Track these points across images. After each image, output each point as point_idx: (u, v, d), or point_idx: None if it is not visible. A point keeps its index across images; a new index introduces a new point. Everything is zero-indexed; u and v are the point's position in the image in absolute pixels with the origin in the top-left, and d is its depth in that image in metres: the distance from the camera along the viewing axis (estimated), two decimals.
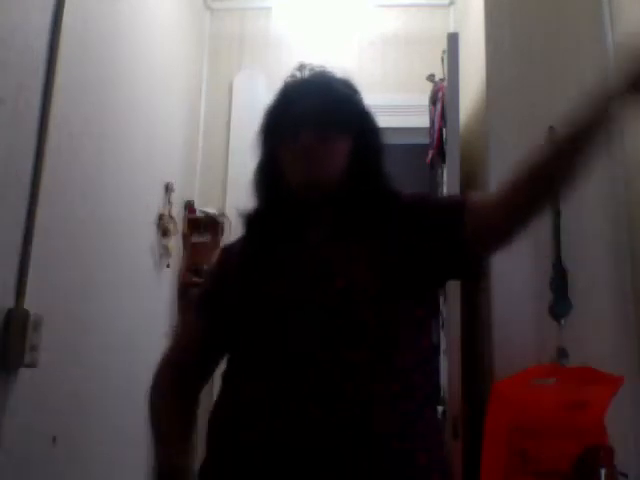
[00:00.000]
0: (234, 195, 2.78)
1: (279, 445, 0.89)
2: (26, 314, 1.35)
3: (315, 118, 1.03)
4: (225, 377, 1.04)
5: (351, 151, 1.05)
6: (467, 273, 1.08)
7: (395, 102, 2.79)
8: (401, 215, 1.05)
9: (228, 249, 1.18)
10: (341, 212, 1.05)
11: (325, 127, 1.03)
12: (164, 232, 2.38)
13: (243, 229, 1.13)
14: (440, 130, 2.24)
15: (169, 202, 2.45)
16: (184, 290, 2.61)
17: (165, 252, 2.40)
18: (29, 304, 1.37)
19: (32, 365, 1.38)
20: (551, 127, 1.99)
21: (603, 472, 1.58)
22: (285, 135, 1.05)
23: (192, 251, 2.70)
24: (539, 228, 1.94)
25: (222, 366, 1.08)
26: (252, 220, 1.11)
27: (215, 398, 1.04)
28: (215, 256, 1.18)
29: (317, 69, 1.12)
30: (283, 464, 0.88)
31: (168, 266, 2.45)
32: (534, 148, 0.96)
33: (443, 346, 2.17)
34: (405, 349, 0.96)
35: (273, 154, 1.08)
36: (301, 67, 1.12)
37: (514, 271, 1.93)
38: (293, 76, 1.12)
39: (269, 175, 1.09)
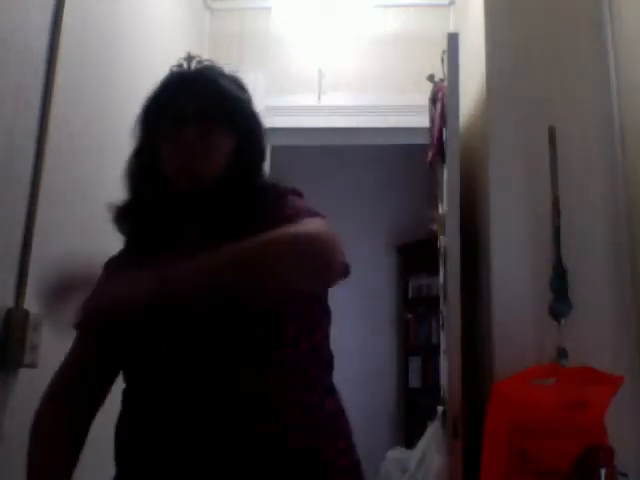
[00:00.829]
0: None
1: (179, 458, 0.88)
2: (26, 314, 1.35)
3: (198, 112, 1.00)
4: (122, 393, 1.02)
5: (233, 149, 1.02)
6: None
7: (395, 102, 2.79)
8: (272, 219, 0.98)
9: (110, 263, 1.11)
10: (214, 211, 1.01)
11: (207, 122, 1.00)
12: None
13: (115, 225, 1.07)
14: (440, 130, 2.24)
15: None
16: None
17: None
18: (29, 304, 1.37)
19: (32, 365, 1.38)
20: (551, 127, 1.99)
21: (603, 472, 1.58)
22: (166, 127, 1.01)
23: None
24: (539, 229, 1.94)
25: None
26: (125, 216, 1.06)
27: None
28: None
29: (205, 63, 1.10)
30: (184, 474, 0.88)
31: None
32: None
33: (443, 346, 2.17)
34: (295, 343, 0.95)
35: (151, 144, 1.04)
36: (189, 58, 1.10)
37: (514, 271, 1.93)
38: (179, 66, 1.09)
39: (144, 165, 1.05)
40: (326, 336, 1.05)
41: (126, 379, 1.01)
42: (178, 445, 0.88)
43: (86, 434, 1.06)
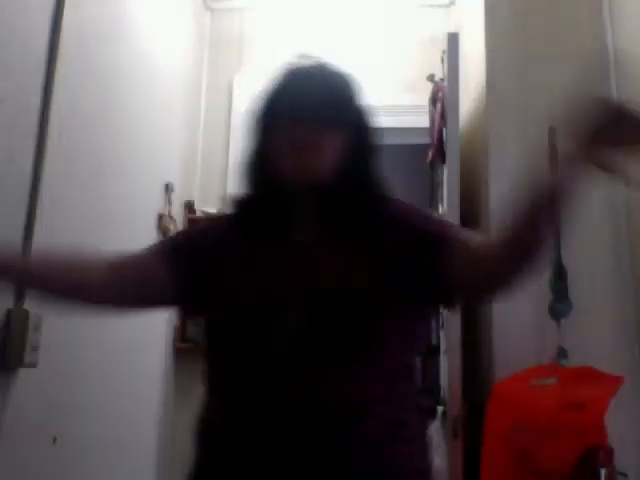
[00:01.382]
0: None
1: (267, 458, 0.87)
2: (26, 314, 1.35)
3: (311, 112, 1.00)
4: (208, 382, 1.01)
5: (345, 148, 1.02)
6: (437, 301, 1.08)
7: (395, 102, 2.79)
8: (390, 223, 1.03)
9: (213, 220, 1.12)
10: (329, 211, 1.03)
11: (320, 122, 1.00)
12: (164, 232, 2.38)
13: (232, 214, 1.09)
14: (440, 130, 2.24)
15: (169, 202, 2.45)
16: None
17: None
18: (29, 304, 1.37)
19: (32, 365, 1.38)
20: (551, 127, 1.99)
21: (603, 472, 1.58)
22: (279, 127, 1.02)
23: None
24: None
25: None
26: (241, 208, 1.08)
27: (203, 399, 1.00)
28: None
29: (318, 61, 1.10)
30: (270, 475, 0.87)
31: None
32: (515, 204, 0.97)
33: (443, 346, 2.17)
34: (390, 356, 0.95)
35: (265, 143, 1.05)
36: (302, 57, 1.10)
37: None
38: (293, 65, 1.09)
39: (260, 164, 1.06)
40: (416, 351, 1.05)
41: (210, 362, 1.01)
42: (267, 445, 0.88)
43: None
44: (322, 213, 1.03)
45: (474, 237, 1.02)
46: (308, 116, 1.00)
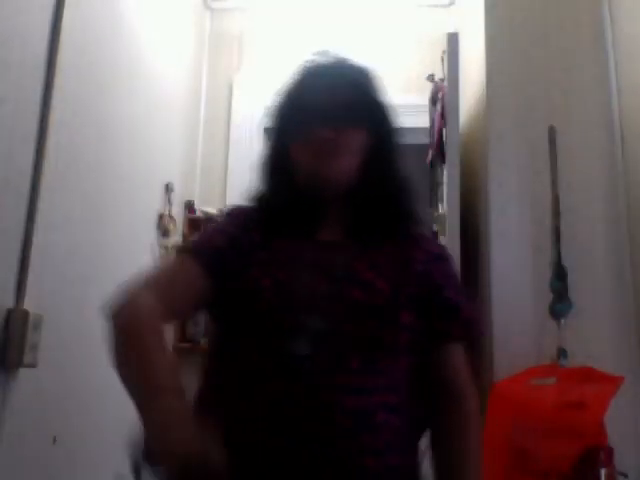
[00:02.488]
0: (234, 195, 2.78)
1: (281, 457, 0.86)
2: (26, 314, 1.35)
3: (332, 112, 0.98)
4: (215, 380, 0.98)
5: (366, 148, 1.01)
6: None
7: (395, 102, 2.78)
8: (419, 248, 1.03)
9: (249, 215, 1.05)
10: (356, 213, 1.01)
11: (340, 121, 0.98)
12: (164, 232, 2.38)
13: (254, 212, 1.04)
14: (440, 130, 2.24)
15: (169, 202, 2.45)
16: None
17: (165, 252, 2.40)
18: (29, 304, 1.37)
19: (32, 365, 1.38)
20: (551, 127, 1.99)
21: (603, 472, 1.58)
22: (299, 127, 1.00)
23: None
24: (539, 229, 1.94)
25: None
26: (265, 206, 1.04)
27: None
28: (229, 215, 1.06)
29: (338, 57, 1.07)
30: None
31: None
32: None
33: None
34: (402, 369, 0.96)
35: (285, 144, 1.03)
36: (322, 53, 1.07)
37: (514, 271, 1.93)
38: (312, 62, 1.07)
39: (280, 165, 1.04)
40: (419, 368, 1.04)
41: (233, 358, 0.97)
42: (281, 442, 0.87)
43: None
44: (348, 214, 1.02)
45: (463, 368, 1.06)
46: (329, 116, 0.98)
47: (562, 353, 1.79)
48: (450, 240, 2.02)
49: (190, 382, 0.90)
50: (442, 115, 2.18)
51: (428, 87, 2.43)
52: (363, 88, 1.04)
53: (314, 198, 1.01)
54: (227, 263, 0.97)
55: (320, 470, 0.85)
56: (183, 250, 1.06)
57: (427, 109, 2.46)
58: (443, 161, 2.20)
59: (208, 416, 0.89)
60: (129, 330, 0.85)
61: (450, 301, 1.03)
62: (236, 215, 1.07)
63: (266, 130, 1.08)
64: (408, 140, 3.36)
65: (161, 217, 2.38)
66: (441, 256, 1.07)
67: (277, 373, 0.90)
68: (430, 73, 2.42)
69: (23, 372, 1.37)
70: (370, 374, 0.91)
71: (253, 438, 0.88)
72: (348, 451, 0.86)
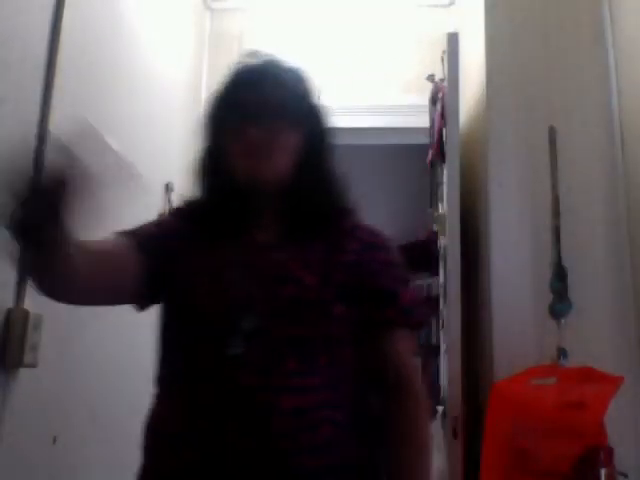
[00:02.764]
0: None
1: (215, 459, 0.87)
2: (26, 314, 1.35)
3: (264, 111, 0.98)
4: (159, 381, 0.99)
5: (299, 148, 1.01)
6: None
7: (395, 102, 2.79)
8: (351, 240, 1.03)
9: (184, 213, 1.08)
10: (288, 212, 1.01)
11: (273, 121, 0.98)
12: None
13: (189, 214, 1.07)
14: (440, 130, 2.24)
15: (169, 202, 2.45)
16: None
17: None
18: (29, 304, 1.37)
19: (32, 365, 1.38)
20: (551, 127, 1.99)
21: (603, 472, 1.58)
22: (232, 127, 1.00)
23: None
24: (539, 229, 1.94)
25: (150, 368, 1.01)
26: (196, 211, 1.06)
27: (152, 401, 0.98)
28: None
29: (269, 58, 1.08)
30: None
31: None
32: None
33: (443, 346, 2.17)
34: (337, 363, 0.95)
35: (218, 144, 1.03)
36: (253, 55, 1.08)
37: (514, 271, 1.93)
38: (243, 63, 1.07)
39: (212, 165, 1.04)
40: (358, 359, 1.03)
41: (162, 362, 0.99)
42: (207, 447, 0.87)
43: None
44: (282, 215, 1.02)
45: (401, 343, 1.02)
46: (260, 115, 0.98)
47: (562, 353, 1.80)
48: (450, 240, 2.02)
49: None
50: (442, 115, 2.18)
51: (428, 87, 2.43)
52: (294, 88, 1.04)
53: (248, 198, 1.01)
54: (159, 247, 1.00)
55: (258, 471, 0.86)
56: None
57: (427, 109, 2.46)
58: (443, 161, 2.20)
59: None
60: None
61: (386, 288, 1.02)
62: (177, 211, 1.10)
63: (199, 132, 1.08)
64: (408, 140, 3.38)
65: None
66: (375, 244, 1.06)
67: (211, 373, 0.90)
68: (430, 73, 2.42)
69: (23, 372, 1.37)
70: (308, 373, 0.91)
71: (187, 438, 0.88)
72: (285, 451, 0.86)
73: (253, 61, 1.07)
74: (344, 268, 0.98)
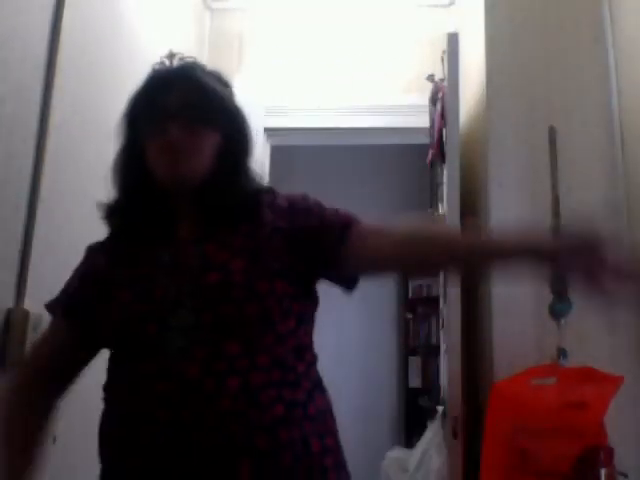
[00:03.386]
0: None
1: (172, 455, 0.88)
2: (26, 314, 1.35)
3: (181, 111, 0.99)
4: (105, 389, 1.03)
5: (218, 147, 1.03)
6: (337, 282, 1.06)
7: (395, 102, 2.79)
8: (274, 212, 1.04)
9: (94, 248, 1.14)
10: (208, 208, 1.03)
11: (192, 121, 1.00)
12: None
13: (105, 222, 1.10)
14: (440, 130, 2.24)
15: None
16: None
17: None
18: (29, 304, 1.37)
19: None
20: (551, 127, 1.99)
21: (603, 472, 1.58)
22: (151, 126, 1.01)
23: None
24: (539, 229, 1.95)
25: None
26: (114, 213, 1.08)
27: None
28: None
29: (187, 60, 1.10)
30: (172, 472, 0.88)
31: None
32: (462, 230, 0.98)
33: (443, 346, 2.17)
34: (283, 340, 0.96)
35: (137, 143, 1.04)
36: (170, 56, 1.10)
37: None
38: (162, 64, 1.10)
39: (131, 165, 1.05)
40: (310, 332, 1.05)
41: (108, 370, 1.03)
42: (165, 441, 0.88)
43: (50, 417, 1.13)
44: (199, 211, 1.03)
45: (378, 227, 1.03)
46: (173, 115, 0.99)
47: (562, 353, 1.80)
48: None
49: None
50: (442, 115, 2.18)
51: (428, 87, 2.43)
52: (211, 88, 1.05)
53: (168, 196, 1.03)
54: (83, 301, 1.05)
55: (212, 456, 0.87)
56: (48, 308, 1.11)
57: (427, 109, 2.46)
58: (443, 161, 2.20)
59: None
60: None
61: (323, 224, 1.03)
62: (88, 252, 1.14)
63: (117, 134, 1.09)
64: (408, 140, 3.38)
65: None
66: (293, 203, 1.06)
67: (155, 372, 0.91)
68: (430, 73, 2.42)
69: None
70: (252, 353, 0.92)
71: (140, 437, 0.90)
72: (236, 432, 0.87)
73: (170, 62, 1.11)
74: (273, 241, 1.00)
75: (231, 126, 1.06)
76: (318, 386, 1.02)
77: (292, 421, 0.92)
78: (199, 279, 0.95)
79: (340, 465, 0.99)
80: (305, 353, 1.01)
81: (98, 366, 1.82)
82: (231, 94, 1.09)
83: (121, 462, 0.95)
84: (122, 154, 1.07)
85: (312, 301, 1.07)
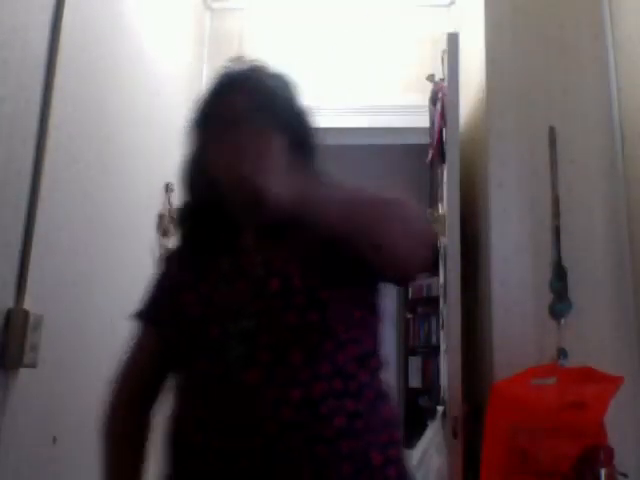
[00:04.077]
0: None
1: (233, 461, 0.88)
2: (26, 314, 1.35)
3: (246, 114, 0.99)
4: (175, 391, 1.03)
5: (283, 150, 1.01)
6: (388, 281, 1.05)
7: (395, 102, 2.79)
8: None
9: (168, 256, 1.16)
10: (272, 217, 0.99)
11: (256, 124, 0.99)
12: (164, 232, 2.38)
13: (178, 229, 1.11)
14: (440, 130, 2.24)
15: (169, 202, 2.45)
16: None
17: (165, 252, 2.40)
18: (29, 304, 1.37)
19: (32, 365, 1.38)
20: (551, 127, 1.99)
21: (603, 472, 1.58)
22: (215, 129, 1.01)
23: None
24: (539, 229, 1.95)
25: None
26: (183, 220, 1.09)
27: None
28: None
29: (253, 64, 1.09)
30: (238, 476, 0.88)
31: None
32: None
33: (443, 346, 2.17)
34: (344, 347, 0.95)
35: (202, 150, 1.04)
36: (236, 60, 1.09)
37: (514, 271, 1.93)
38: (227, 68, 1.08)
39: (197, 172, 1.05)
40: (374, 337, 1.03)
41: (177, 373, 1.03)
42: (231, 447, 0.88)
43: (150, 425, 1.12)
44: (265, 219, 1.01)
45: None
46: (238, 118, 0.98)
47: (562, 353, 1.80)
48: (450, 240, 2.02)
49: None
50: (442, 115, 2.18)
51: (428, 87, 2.43)
52: (276, 91, 1.05)
53: (232, 203, 1.02)
54: (162, 305, 1.06)
55: (272, 465, 0.87)
56: (133, 318, 1.13)
57: (427, 109, 2.46)
58: (443, 161, 2.20)
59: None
60: (102, 443, 1.14)
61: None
62: (163, 259, 1.16)
63: (185, 140, 1.09)
64: (408, 140, 3.37)
65: (161, 217, 2.37)
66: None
67: (217, 380, 0.92)
68: (430, 73, 2.42)
69: (23, 372, 1.37)
70: (314, 363, 0.91)
71: (203, 442, 0.90)
72: (297, 443, 0.87)
73: (235, 66, 1.09)
74: (332, 247, 0.97)
75: (295, 128, 1.04)
76: (383, 396, 1.00)
77: (353, 433, 0.90)
78: (259, 286, 0.95)
79: (403, 475, 0.98)
80: (369, 360, 0.99)
81: (97, 367, 1.82)
82: (296, 96, 1.08)
83: (182, 465, 0.96)
84: (191, 159, 1.07)
85: (373, 306, 1.05)
